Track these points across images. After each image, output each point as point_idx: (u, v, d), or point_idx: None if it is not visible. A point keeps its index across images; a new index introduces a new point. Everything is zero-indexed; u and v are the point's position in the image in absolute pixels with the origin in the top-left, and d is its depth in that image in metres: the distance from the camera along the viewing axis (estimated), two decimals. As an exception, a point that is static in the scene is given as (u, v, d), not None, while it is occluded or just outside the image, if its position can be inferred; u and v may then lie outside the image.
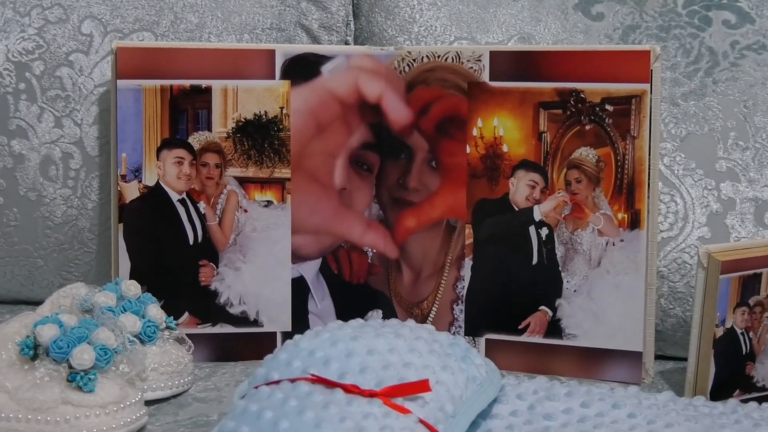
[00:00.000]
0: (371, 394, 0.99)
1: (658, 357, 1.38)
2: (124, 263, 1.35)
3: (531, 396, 1.17)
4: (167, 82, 1.35)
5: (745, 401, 1.19)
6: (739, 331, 1.25)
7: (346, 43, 1.54)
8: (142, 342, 1.20)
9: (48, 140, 1.46)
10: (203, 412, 1.19)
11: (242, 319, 1.38)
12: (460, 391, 1.07)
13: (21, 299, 1.53)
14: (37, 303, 1.40)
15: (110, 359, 1.13)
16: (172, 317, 1.26)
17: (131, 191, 1.35)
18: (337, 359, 1.04)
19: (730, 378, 1.25)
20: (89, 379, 1.10)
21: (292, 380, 1.01)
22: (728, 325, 1.24)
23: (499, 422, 1.12)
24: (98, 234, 1.46)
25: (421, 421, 0.98)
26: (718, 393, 1.24)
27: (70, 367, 1.11)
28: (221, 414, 1.19)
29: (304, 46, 1.42)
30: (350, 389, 0.99)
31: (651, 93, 1.30)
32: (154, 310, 1.24)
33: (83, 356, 1.10)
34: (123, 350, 1.15)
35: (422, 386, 1.02)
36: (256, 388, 1.02)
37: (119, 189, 1.35)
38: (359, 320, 1.15)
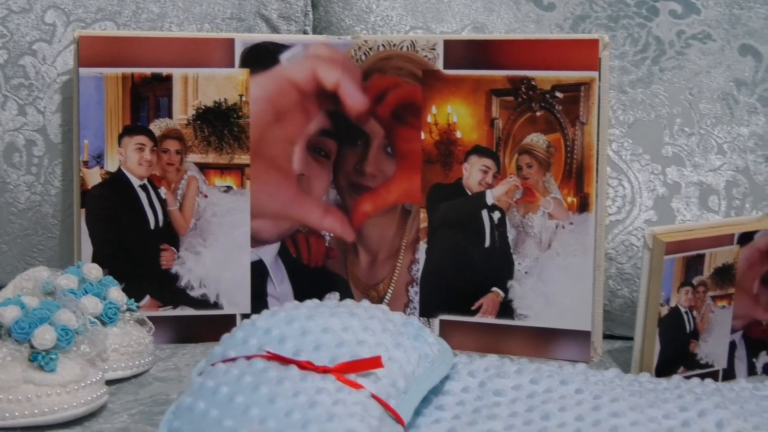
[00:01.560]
0: (325, 371, 0.99)
1: (606, 336, 1.40)
2: (87, 248, 1.35)
3: (482, 373, 1.18)
4: (129, 71, 1.35)
5: (689, 378, 1.21)
6: (683, 310, 1.26)
7: (305, 33, 1.54)
8: (104, 323, 1.21)
9: (11, 128, 1.45)
10: (163, 391, 1.20)
11: (202, 302, 1.38)
12: (413, 367, 1.08)
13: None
14: (0, 287, 1.39)
15: (71, 340, 1.13)
16: (133, 299, 1.26)
17: (93, 177, 1.35)
18: (292, 337, 1.05)
19: (675, 355, 1.27)
20: (50, 358, 1.10)
21: (248, 357, 1.02)
22: (672, 304, 1.25)
23: (451, 398, 1.13)
24: (61, 219, 1.45)
25: (374, 396, 0.99)
26: (663, 370, 1.26)
27: (32, 347, 1.11)
28: (180, 392, 1.18)
29: (263, 36, 1.42)
30: (304, 366, 1.00)
31: (599, 80, 1.31)
32: (115, 293, 1.24)
33: (45, 336, 1.10)
34: (84, 331, 1.15)
35: (374, 363, 1.03)
36: (213, 365, 1.03)
37: (81, 175, 1.35)
38: (315, 300, 1.16)
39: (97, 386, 1.13)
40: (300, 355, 1.02)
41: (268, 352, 1.02)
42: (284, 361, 1.01)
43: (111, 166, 1.35)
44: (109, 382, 1.18)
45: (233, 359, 1.03)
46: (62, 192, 1.45)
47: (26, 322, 1.11)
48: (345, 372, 1.01)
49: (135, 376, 1.24)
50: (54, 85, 1.45)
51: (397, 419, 0.99)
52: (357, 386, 0.99)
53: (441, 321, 1.36)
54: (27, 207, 1.45)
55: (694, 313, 1.27)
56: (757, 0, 1.52)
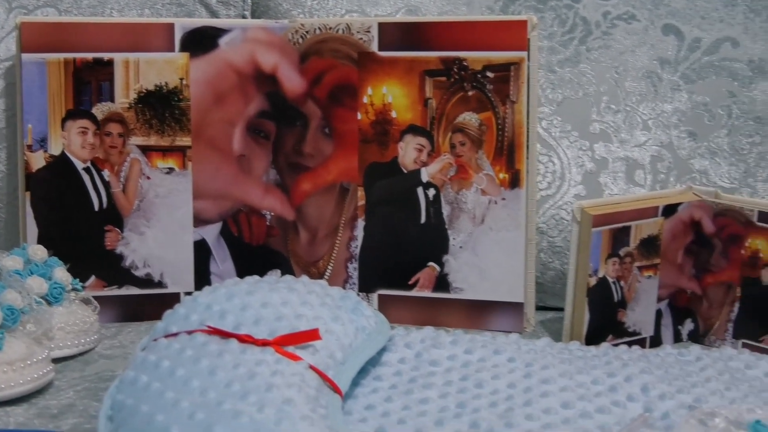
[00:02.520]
0: (264, 344, 1.00)
1: (539, 308, 1.42)
2: (32, 230, 1.34)
3: (418, 344, 1.19)
4: (71, 56, 1.34)
5: (617, 345, 1.23)
6: (611, 280, 1.28)
7: (243, 17, 1.53)
8: (49, 303, 1.20)
9: None
10: (108, 368, 1.20)
11: (147, 281, 1.38)
12: (350, 340, 1.09)
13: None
14: None
15: (17, 319, 1.13)
16: (78, 279, 1.25)
17: (37, 161, 1.34)
18: (232, 312, 1.05)
19: (603, 324, 1.29)
20: None
21: (190, 332, 1.02)
22: (601, 275, 1.27)
23: (388, 369, 1.14)
24: (6, 203, 1.44)
25: (312, 367, 0.99)
26: (593, 338, 1.28)
27: None
28: (125, 368, 1.16)
29: (202, 20, 1.42)
30: (244, 339, 1.00)
31: (528, 60, 1.32)
32: (61, 273, 1.23)
33: None
34: (30, 311, 1.15)
35: (312, 335, 1.03)
36: (156, 340, 1.03)
37: (26, 159, 1.34)
38: (255, 277, 1.16)
39: (43, 364, 1.12)
40: (240, 329, 1.02)
41: (209, 327, 1.02)
42: (224, 335, 1.01)
43: (55, 149, 1.34)
44: (55, 360, 1.18)
45: (175, 334, 1.03)
46: (6, 176, 1.44)
47: None
48: (283, 345, 1.01)
49: (80, 354, 1.24)
50: (-4, 71, 1.45)
51: (335, 389, 1.00)
52: (295, 358, 0.99)
53: (379, 296, 1.37)
54: (-30, 191, 1.45)
55: (622, 283, 1.29)
56: None
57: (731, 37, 1.50)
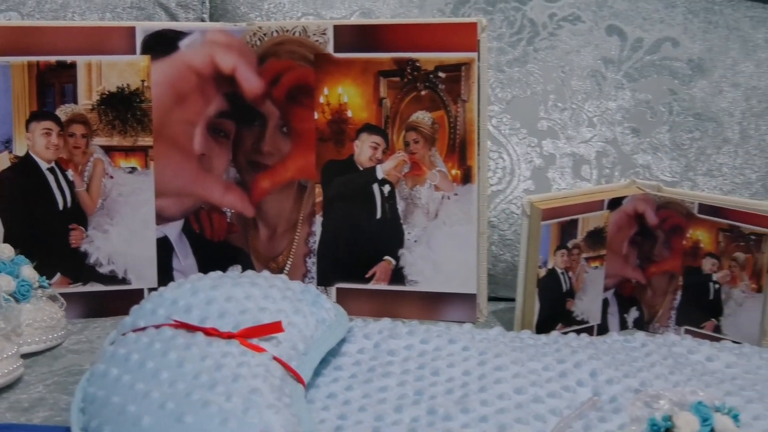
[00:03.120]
0: (229, 336, 1.01)
1: (491, 298, 1.42)
2: None
3: (376, 335, 1.21)
4: (34, 59, 1.32)
5: (566, 333, 1.26)
6: (559, 271, 1.29)
7: (202, 20, 1.52)
8: (17, 300, 1.20)
9: None
10: (77, 362, 1.19)
11: (111, 278, 1.37)
12: (311, 331, 1.10)
13: None
14: None
15: None
16: (44, 277, 1.25)
17: (2, 161, 1.32)
18: (197, 306, 1.06)
19: (553, 313, 1.30)
20: None
21: (157, 326, 1.03)
22: (550, 266, 1.28)
23: (348, 359, 1.16)
24: None
25: (275, 359, 1.01)
26: (543, 327, 1.29)
27: None
28: (94, 362, 1.16)
29: (163, 23, 1.41)
30: (210, 332, 1.01)
31: (479, 61, 1.32)
32: (28, 271, 1.23)
33: None
34: None
35: (275, 328, 1.05)
36: (124, 335, 1.04)
37: None
38: (218, 272, 1.17)
39: (13, 359, 1.12)
40: (206, 323, 1.04)
41: (176, 321, 1.03)
42: (191, 328, 1.02)
43: (19, 150, 1.33)
44: (24, 356, 1.17)
45: (143, 328, 1.04)
46: None
47: None
48: (248, 337, 1.02)
49: (49, 350, 1.23)
50: (-40, 74, 1.42)
51: (298, 379, 1.01)
52: (260, 350, 1.00)
53: (338, 289, 1.37)
54: (-64, 191, 1.42)
55: (570, 273, 1.30)
56: None
57: (671, 37, 1.52)
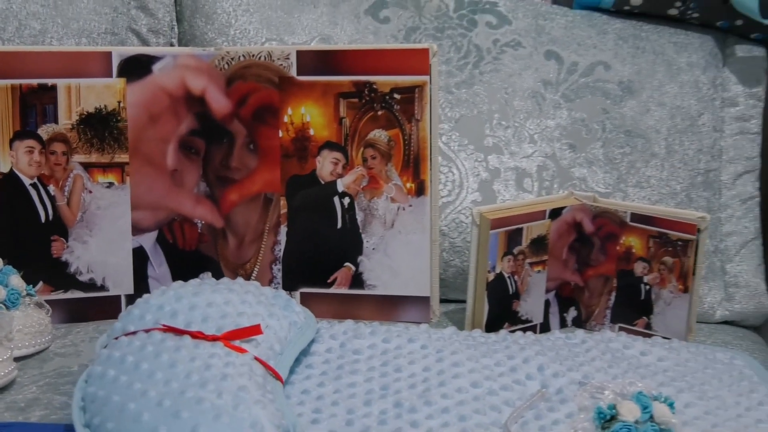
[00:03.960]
0: (214, 339, 1.03)
1: (442, 300, 1.42)
2: None
3: (342, 336, 1.22)
4: (17, 82, 1.32)
5: (513, 332, 1.28)
6: (506, 275, 1.31)
7: (172, 45, 1.52)
8: (7, 308, 1.19)
9: None
10: (65, 365, 1.19)
11: (90, 285, 1.36)
12: (285, 333, 1.13)
13: None
14: None
15: None
16: (31, 285, 1.25)
17: None
18: (182, 312, 1.08)
19: (501, 314, 1.32)
20: None
21: (147, 330, 1.05)
22: (498, 270, 1.30)
23: (318, 358, 1.18)
24: None
25: (256, 359, 1.03)
26: (491, 326, 1.31)
27: None
28: (81, 365, 1.19)
29: (137, 48, 1.40)
30: (196, 335, 1.03)
31: (430, 83, 1.33)
32: (16, 280, 1.22)
33: None
34: None
35: (255, 330, 1.07)
36: (117, 339, 1.05)
37: None
38: (197, 280, 1.18)
39: (7, 363, 1.12)
40: (191, 327, 1.05)
41: (164, 325, 1.05)
42: (178, 332, 1.04)
43: (4, 167, 1.32)
44: (15, 359, 1.16)
45: (133, 333, 1.05)
46: None
47: None
48: (231, 339, 1.04)
49: (37, 353, 1.23)
50: (-55, 96, 1.40)
51: (276, 377, 1.04)
52: (242, 351, 1.03)
53: (302, 293, 1.37)
54: None
55: (516, 277, 1.32)
56: (557, 12, 1.57)
57: (604, 61, 1.54)
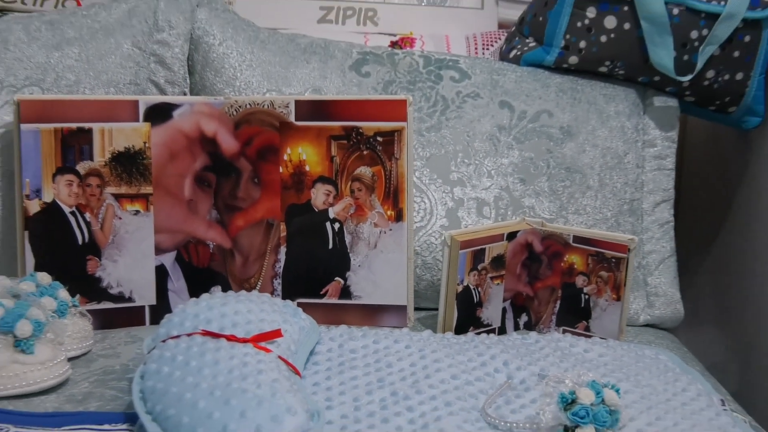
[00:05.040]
0: (244, 341, 1.09)
1: (416, 309, 1.46)
2: (30, 260, 1.34)
3: (339, 338, 1.26)
4: (59, 125, 1.34)
5: (479, 334, 1.31)
6: (472, 287, 1.36)
7: (185, 94, 1.53)
8: (58, 317, 1.22)
9: None
10: (108, 365, 1.23)
11: (119, 297, 1.38)
12: (297, 336, 1.18)
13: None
14: None
15: (42, 329, 1.16)
16: (74, 297, 1.27)
17: (33, 207, 1.34)
18: (215, 319, 1.13)
19: (467, 319, 1.37)
20: (30, 344, 1.14)
21: (189, 335, 1.10)
22: (465, 283, 1.35)
23: (321, 356, 1.22)
24: (0, 240, 1.40)
25: (279, 357, 1.09)
26: (460, 330, 1.36)
27: (15, 336, 1.14)
28: (122, 365, 1.23)
29: (159, 97, 1.40)
30: (230, 338, 1.09)
31: (407, 128, 1.38)
32: (63, 293, 1.25)
33: (24, 328, 1.14)
34: (47, 323, 1.17)
35: (276, 334, 1.12)
36: (164, 341, 1.10)
37: (24, 205, 1.34)
38: (222, 293, 1.22)
39: (63, 363, 1.16)
40: (224, 331, 1.10)
41: (203, 330, 1.10)
42: (215, 335, 1.09)
43: (47, 197, 1.34)
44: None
45: (177, 337, 1.11)
46: (1, 219, 1.40)
47: (9, 318, 1.14)
48: (258, 341, 1.10)
49: (83, 355, 1.26)
50: (-7, 136, 1.39)
51: (296, 372, 1.10)
52: (267, 351, 1.08)
53: (298, 303, 1.34)
54: (-30, 231, 1.38)
55: (479, 289, 1.36)
56: (508, 68, 1.60)
57: (547, 110, 1.56)
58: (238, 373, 1.01)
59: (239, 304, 1.17)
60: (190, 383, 1.00)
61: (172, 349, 1.08)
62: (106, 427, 1.05)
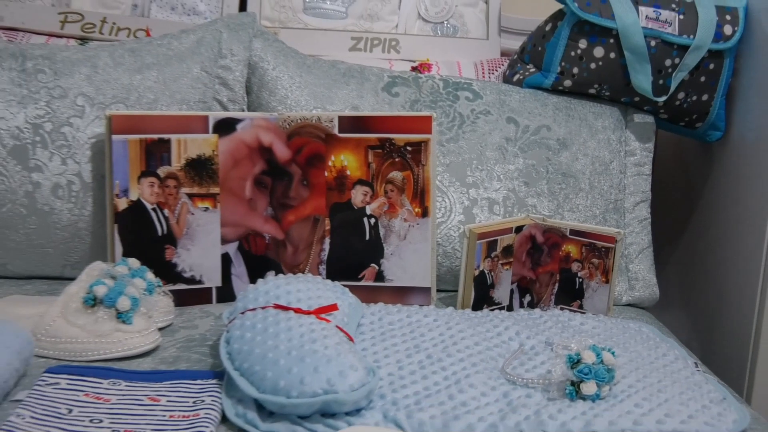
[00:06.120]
0: (308, 313, 1.15)
1: (437, 290, 1.49)
2: (118, 249, 1.38)
3: (378, 313, 1.33)
4: (144, 137, 1.38)
5: (492, 311, 1.38)
6: (486, 272, 1.39)
7: (243, 110, 1.56)
8: (148, 294, 1.26)
9: (57, 173, 1.44)
10: (188, 335, 1.28)
11: (191, 280, 1.42)
12: (347, 310, 1.24)
13: (35, 275, 1.48)
14: (47, 278, 1.44)
15: (137, 304, 1.22)
16: (158, 279, 1.32)
17: (122, 204, 1.38)
18: (282, 296, 1.19)
19: (482, 298, 1.42)
20: (129, 316, 1.20)
21: (263, 308, 1.16)
22: (481, 268, 1.38)
23: (366, 327, 1.29)
24: (92, 232, 1.44)
25: (337, 326, 1.15)
26: (476, 307, 1.41)
27: (117, 310, 1.20)
28: (200, 334, 1.28)
29: (226, 113, 1.44)
30: (297, 311, 1.15)
31: (432, 140, 1.42)
32: (150, 275, 1.29)
33: (125, 303, 1.20)
34: (140, 299, 1.23)
35: (333, 307, 1.18)
36: (243, 313, 1.16)
37: (114, 203, 1.37)
38: (283, 275, 1.27)
39: (156, 333, 1.23)
40: (292, 305, 1.17)
41: (275, 304, 1.16)
42: (285, 308, 1.15)
43: (133, 196, 1.38)
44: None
45: (252, 309, 1.17)
46: (92, 214, 1.44)
47: (112, 294, 1.21)
48: (320, 313, 1.16)
49: (167, 326, 1.31)
50: (85, 145, 1.45)
51: (350, 339, 1.16)
52: (328, 321, 1.15)
53: (341, 285, 1.38)
54: (67, 224, 1.44)
55: (492, 273, 1.40)
56: (513, 90, 1.63)
57: (546, 125, 1.60)
58: (308, 338, 1.08)
59: (300, 284, 1.24)
60: (270, 345, 1.07)
61: (251, 319, 1.14)
62: (198, 382, 1.12)
